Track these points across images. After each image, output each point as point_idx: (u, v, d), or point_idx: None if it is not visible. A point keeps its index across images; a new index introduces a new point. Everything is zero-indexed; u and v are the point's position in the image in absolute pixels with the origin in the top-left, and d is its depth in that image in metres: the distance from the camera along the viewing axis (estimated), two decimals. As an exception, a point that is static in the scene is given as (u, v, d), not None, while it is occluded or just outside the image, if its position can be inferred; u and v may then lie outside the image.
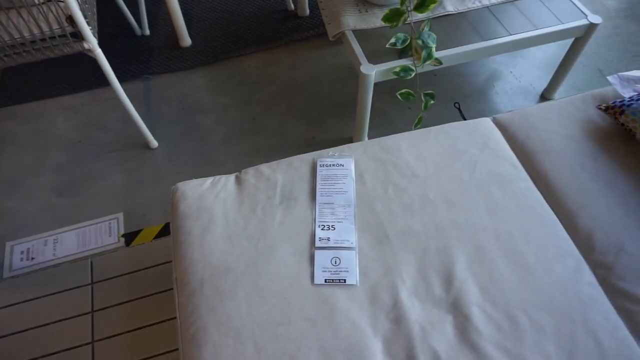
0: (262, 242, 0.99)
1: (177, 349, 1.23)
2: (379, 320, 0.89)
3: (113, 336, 1.26)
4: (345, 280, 0.93)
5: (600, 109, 1.18)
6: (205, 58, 1.96)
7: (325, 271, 0.94)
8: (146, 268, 1.37)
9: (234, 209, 1.05)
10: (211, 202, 1.07)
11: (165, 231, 1.46)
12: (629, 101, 1.12)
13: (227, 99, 1.83)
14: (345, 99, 1.83)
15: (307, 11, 2.10)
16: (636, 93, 1.15)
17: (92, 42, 1.29)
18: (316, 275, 0.93)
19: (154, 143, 1.67)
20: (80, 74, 1.90)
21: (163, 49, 1.99)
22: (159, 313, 1.30)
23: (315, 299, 0.91)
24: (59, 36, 1.26)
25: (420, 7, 1.24)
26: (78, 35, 1.28)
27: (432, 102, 1.42)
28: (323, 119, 1.77)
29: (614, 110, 1.14)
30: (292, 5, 2.13)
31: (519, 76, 1.89)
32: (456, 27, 1.47)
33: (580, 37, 1.51)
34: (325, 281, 0.93)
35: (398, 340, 0.87)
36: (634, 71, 1.23)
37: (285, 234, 1.00)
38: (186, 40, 1.99)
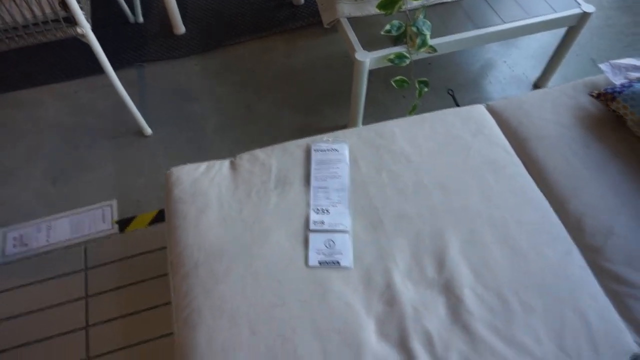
0: (256, 226, 1.00)
1: (171, 333, 1.23)
2: (373, 302, 0.90)
3: (107, 321, 1.26)
4: (339, 262, 0.94)
5: (592, 96, 1.19)
6: (200, 46, 1.95)
7: (320, 254, 0.95)
8: (140, 254, 1.37)
9: (229, 193, 1.05)
10: (206, 186, 1.07)
11: (159, 217, 1.46)
12: (620, 88, 1.14)
13: (221, 87, 1.83)
14: (340, 87, 1.83)
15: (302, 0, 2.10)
16: (627, 80, 1.16)
17: (85, 26, 1.28)
18: (310, 258, 0.94)
19: (148, 130, 1.67)
20: (73, 61, 1.88)
21: (157, 36, 1.98)
22: (153, 298, 1.30)
23: (309, 281, 0.92)
24: (52, 21, 1.25)
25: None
26: (71, 20, 1.27)
27: (426, 89, 1.42)
28: (318, 107, 1.77)
29: (606, 97, 1.15)
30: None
31: (513, 65, 1.90)
32: (451, 15, 1.48)
33: (574, 26, 1.52)
34: (320, 263, 0.94)
35: (391, 321, 0.88)
36: (625, 59, 1.24)
37: (280, 217, 1.01)
38: (180, 28, 1.98)
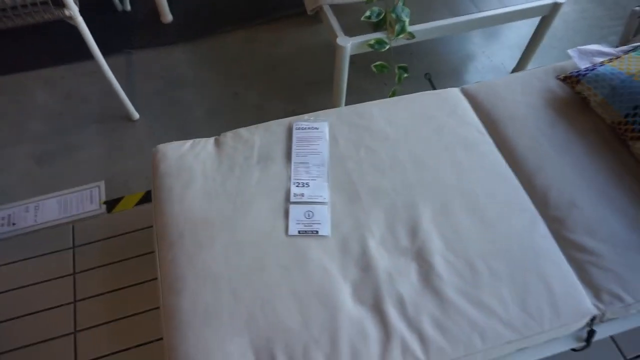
0: (239, 198, 1.04)
1: (157, 307, 1.27)
2: (349, 268, 0.95)
3: (94, 296, 1.30)
4: (317, 231, 0.99)
5: (559, 79, 1.25)
6: (187, 34, 1.98)
7: (299, 224, 1.00)
8: (127, 233, 1.41)
9: (213, 168, 1.09)
10: (191, 161, 1.11)
11: (146, 198, 1.49)
12: (584, 71, 1.20)
13: (208, 74, 1.87)
14: (324, 76, 1.88)
15: (288, -10, 2.14)
16: (592, 65, 1.22)
17: (72, 8, 1.31)
18: (290, 227, 0.99)
19: (136, 115, 1.70)
20: (60, 47, 1.90)
21: (144, 24, 2.01)
22: (139, 274, 1.34)
23: (289, 249, 0.97)
24: (41, 3, 1.28)
25: None
26: (59, 2, 1.30)
27: (405, 75, 1.48)
28: (303, 94, 1.82)
29: (572, 80, 1.22)
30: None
31: (491, 55, 1.97)
32: (429, 3, 1.53)
33: (547, 15, 1.59)
34: (299, 232, 0.98)
35: (366, 285, 0.93)
36: (592, 45, 1.31)
37: (262, 190, 1.05)
38: (167, 16, 2.01)
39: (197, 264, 0.95)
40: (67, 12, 1.31)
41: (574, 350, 1.05)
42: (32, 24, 1.30)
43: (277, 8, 2.09)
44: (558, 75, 1.26)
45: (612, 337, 1.30)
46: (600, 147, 1.14)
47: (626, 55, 1.20)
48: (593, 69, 1.19)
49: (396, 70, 1.47)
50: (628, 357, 1.27)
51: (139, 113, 1.71)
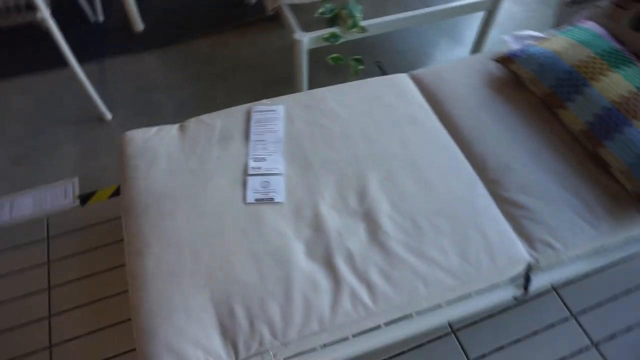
0: (201, 173, 1.12)
1: (127, 290, 1.32)
2: (302, 229, 1.03)
3: (68, 282, 1.35)
4: (273, 198, 1.07)
5: (496, 60, 1.37)
6: (158, 41, 2.08)
7: (256, 193, 1.08)
8: (100, 223, 1.47)
9: (177, 149, 1.17)
10: (156, 144, 1.19)
11: (119, 191, 1.56)
12: (518, 53, 1.32)
13: (178, 77, 1.96)
14: (288, 74, 1.98)
15: (255, -1, 2.27)
16: (524, 47, 1.35)
17: (44, 11, 1.40)
18: (248, 196, 1.07)
19: (108, 115, 1.77)
20: (36, 55, 1.98)
21: (117, 33, 2.10)
22: (112, 261, 1.39)
23: (246, 215, 1.05)
24: (13, 6, 1.37)
25: None
26: (31, 6, 1.39)
27: (361, 67, 1.58)
28: (268, 91, 1.92)
29: (506, 60, 1.34)
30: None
31: (446, 50, 2.10)
32: (383, 0, 1.66)
33: (490, 10, 1.72)
34: (256, 200, 1.06)
35: (318, 243, 1.01)
36: (525, 31, 1.44)
37: (222, 165, 1.13)
38: (139, 25, 2.11)
39: (161, 231, 1.02)
40: (39, 15, 1.40)
41: (516, 299, 1.13)
42: (6, 26, 1.38)
43: (245, 13, 2.21)
44: (495, 57, 1.38)
45: (558, 294, 1.38)
46: (533, 117, 1.25)
47: (553, 37, 1.32)
48: (524, 50, 1.31)
49: (351, 62, 1.58)
50: (574, 311, 1.35)
51: (112, 114, 1.79)
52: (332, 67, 1.98)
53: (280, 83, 1.95)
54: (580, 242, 1.07)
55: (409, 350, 1.28)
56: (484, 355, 1.28)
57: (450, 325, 1.33)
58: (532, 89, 1.28)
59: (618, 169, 1.11)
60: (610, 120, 1.12)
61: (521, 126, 1.24)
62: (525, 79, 1.29)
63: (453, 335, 1.31)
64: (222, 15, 2.21)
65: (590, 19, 1.42)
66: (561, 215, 1.09)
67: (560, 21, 1.59)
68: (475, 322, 1.33)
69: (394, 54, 2.09)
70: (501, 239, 1.05)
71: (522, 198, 1.11)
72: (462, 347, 1.29)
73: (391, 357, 1.26)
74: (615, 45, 1.24)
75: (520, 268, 1.05)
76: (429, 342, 1.29)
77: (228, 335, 0.91)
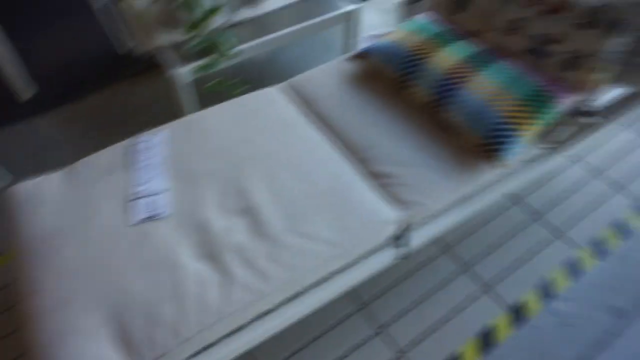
0: (87, 208, 1.16)
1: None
2: (190, 235, 1.10)
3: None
4: (158, 214, 1.13)
5: (353, 58, 1.54)
6: (53, 101, 2.11)
7: (140, 213, 1.13)
8: None
9: (62, 190, 1.21)
10: (42, 189, 1.21)
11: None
12: (368, 48, 1.50)
13: (76, 133, 1.99)
14: (181, 108, 2.07)
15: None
16: (373, 43, 1.53)
17: None
18: (131, 218, 1.12)
19: (8, 179, 1.77)
20: None
21: (3, 104, 2.11)
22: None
23: (134, 234, 1.10)
24: None
25: (194, 27, 1.57)
26: None
27: (238, 90, 1.70)
28: (168, 130, 1.99)
29: (360, 56, 1.51)
30: (128, 46, 2.37)
31: (324, 59, 2.28)
32: (254, 28, 1.81)
33: (347, 22, 1.92)
34: (141, 220, 1.12)
35: (205, 244, 1.08)
36: (379, 29, 1.63)
37: (106, 197, 1.18)
38: (26, 93, 2.13)
39: (50, 267, 1.04)
40: None
41: (405, 258, 1.24)
42: None
43: (135, 62, 2.29)
44: (351, 56, 1.55)
45: (451, 254, 1.52)
46: (390, 100, 1.41)
47: (395, 31, 1.51)
48: (373, 46, 1.49)
49: (228, 88, 1.70)
50: (466, 262, 1.49)
51: (12, 176, 1.79)
52: (223, 94, 2.10)
53: (174, 118, 2.02)
54: (443, 194, 1.21)
55: (323, 334, 1.35)
56: (394, 321, 1.37)
57: (362, 300, 1.41)
58: (385, 75, 1.45)
59: (459, 127, 1.27)
60: (446, 88, 1.30)
61: (380, 109, 1.39)
62: (378, 68, 1.46)
63: (364, 310, 1.39)
64: (113, 68, 2.28)
65: (429, 11, 1.63)
66: (424, 176, 1.23)
67: (401, 17, 1.81)
68: (383, 294, 1.43)
69: (279, 69, 2.24)
70: (374, 206, 1.17)
71: (389, 168, 1.25)
72: (372, 319, 1.38)
73: (308, 343, 1.32)
74: (443, 28, 1.44)
75: (392, 228, 1.17)
76: (339, 322, 1.37)
77: (130, 346, 0.94)
